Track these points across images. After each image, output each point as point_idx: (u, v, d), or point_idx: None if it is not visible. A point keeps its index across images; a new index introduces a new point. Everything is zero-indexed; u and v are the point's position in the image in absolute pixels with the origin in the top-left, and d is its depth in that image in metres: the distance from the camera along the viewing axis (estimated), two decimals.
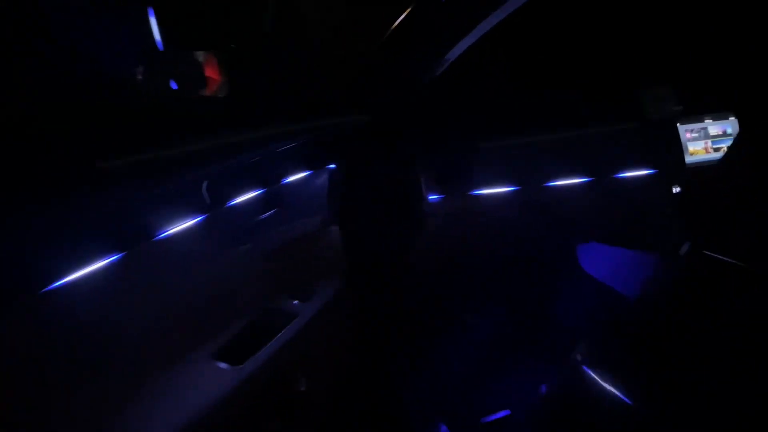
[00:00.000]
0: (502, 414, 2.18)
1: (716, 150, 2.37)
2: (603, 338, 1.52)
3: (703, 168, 2.31)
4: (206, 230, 1.46)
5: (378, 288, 2.27)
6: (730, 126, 2.38)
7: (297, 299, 1.87)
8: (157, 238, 1.31)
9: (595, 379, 1.36)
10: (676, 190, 2.29)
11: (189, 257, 1.43)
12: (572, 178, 2.32)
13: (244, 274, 1.67)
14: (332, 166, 2.02)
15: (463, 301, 2.64)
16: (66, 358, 1.12)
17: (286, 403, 1.75)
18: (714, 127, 2.40)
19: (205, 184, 1.45)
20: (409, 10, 1.69)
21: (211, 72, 1.81)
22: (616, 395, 1.31)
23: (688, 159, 2.32)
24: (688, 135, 2.33)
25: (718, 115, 2.40)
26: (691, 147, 2.34)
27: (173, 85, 1.72)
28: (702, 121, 2.40)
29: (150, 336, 1.33)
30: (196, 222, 1.43)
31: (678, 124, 2.33)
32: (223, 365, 1.48)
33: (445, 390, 2.35)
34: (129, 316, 1.26)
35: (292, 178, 1.87)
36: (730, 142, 2.32)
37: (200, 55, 1.77)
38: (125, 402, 1.26)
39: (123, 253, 1.20)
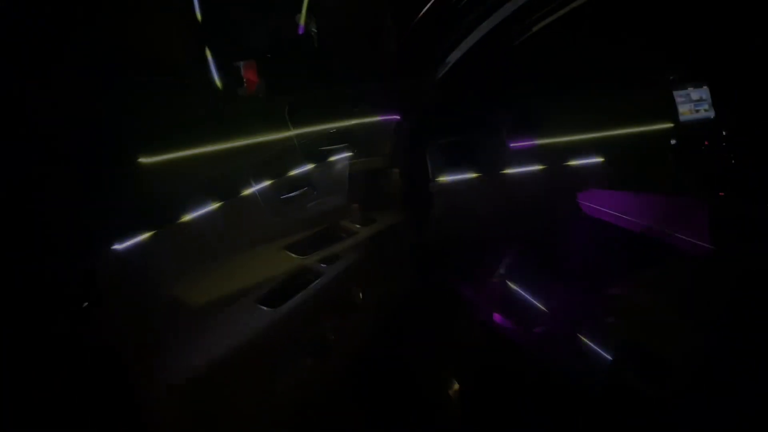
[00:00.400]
0: None
1: (697, 111, 2.82)
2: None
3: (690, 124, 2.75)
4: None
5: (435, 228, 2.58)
6: (705, 92, 2.86)
7: (357, 223, 2.24)
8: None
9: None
10: (673, 142, 2.71)
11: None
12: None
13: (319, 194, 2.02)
14: (397, 117, 2.30)
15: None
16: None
17: (317, 340, 2.04)
18: (694, 93, 2.84)
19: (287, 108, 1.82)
20: None
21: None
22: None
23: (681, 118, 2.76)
24: (678, 99, 2.76)
25: (697, 84, 2.85)
26: (680, 109, 2.77)
27: None
28: (686, 88, 2.84)
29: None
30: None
31: (673, 91, 2.76)
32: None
33: None
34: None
35: (363, 120, 2.17)
36: (706, 105, 2.77)
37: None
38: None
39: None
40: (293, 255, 1.86)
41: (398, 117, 2.33)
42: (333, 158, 2.20)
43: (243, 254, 1.81)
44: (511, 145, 2.69)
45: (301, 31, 2.27)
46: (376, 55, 2.40)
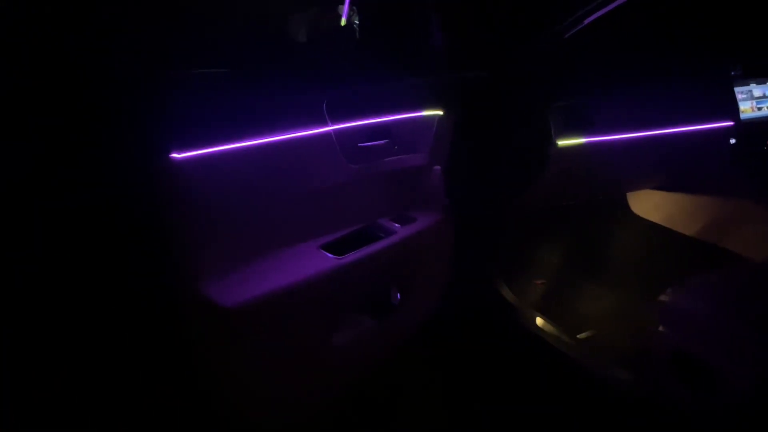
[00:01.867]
0: None
1: (759, 109, 2.64)
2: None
3: (751, 123, 2.58)
4: (327, 143, 1.80)
5: (474, 225, 2.51)
6: None
7: (396, 222, 2.15)
8: (289, 136, 1.67)
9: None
10: (732, 141, 2.56)
11: (311, 161, 1.77)
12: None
13: (354, 191, 1.98)
14: (440, 112, 2.22)
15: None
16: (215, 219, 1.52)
17: (377, 297, 2.06)
18: (757, 90, 2.66)
19: (324, 103, 1.78)
20: None
21: None
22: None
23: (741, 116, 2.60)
24: (739, 96, 2.59)
25: (760, 80, 2.66)
26: (742, 106, 2.60)
27: None
28: (748, 84, 2.66)
29: (274, 219, 1.71)
30: (319, 133, 1.77)
31: (734, 87, 2.59)
32: (327, 254, 1.79)
33: None
34: (268, 192, 1.64)
35: (404, 116, 2.10)
36: None
37: None
38: (256, 260, 1.63)
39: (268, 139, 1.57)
40: (329, 255, 1.80)
41: (440, 112, 2.25)
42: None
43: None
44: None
45: (343, 21, 2.21)
46: (420, 48, 2.33)
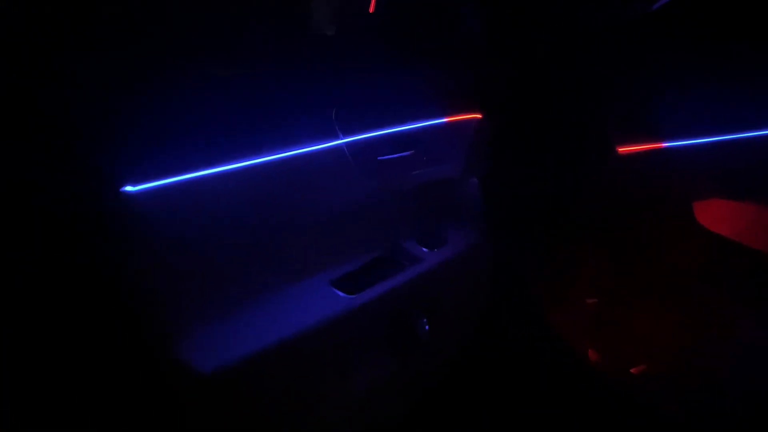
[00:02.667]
0: None
1: None
2: None
3: None
4: (336, 158, 1.48)
5: (521, 244, 2.15)
6: None
7: (424, 246, 1.82)
8: (286, 154, 1.34)
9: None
10: None
11: (318, 181, 1.46)
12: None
13: (372, 210, 1.67)
14: (478, 116, 1.87)
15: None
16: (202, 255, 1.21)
17: (400, 338, 1.74)
18: None
19: (334, 112, 1.45)
20: None
21: None
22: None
23: None
24: None
25: None
26: None
27: None
28: None
29: (274, 251, 1.39)
30: (326, 147, 1.44)
31: None
32: (338, 293, 1.50)
33: None
34: (257, 226, 1.32)
35: (432, 122, 1.77)
36: None
37: None
38: (246, 305, 1.33)
39: (254, 161, 1.25)
40: (340, 294, 1.48)
41: (479, 115, 1.90)
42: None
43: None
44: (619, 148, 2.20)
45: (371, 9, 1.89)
46: (458, 40, 1.98)
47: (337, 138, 1.44)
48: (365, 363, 1.64)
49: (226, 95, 1.26)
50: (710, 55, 2.03)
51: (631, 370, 2.19)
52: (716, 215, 2.67)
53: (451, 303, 1.95)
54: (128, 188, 1.03)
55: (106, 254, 1.02)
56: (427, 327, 1.85)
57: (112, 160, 1.03)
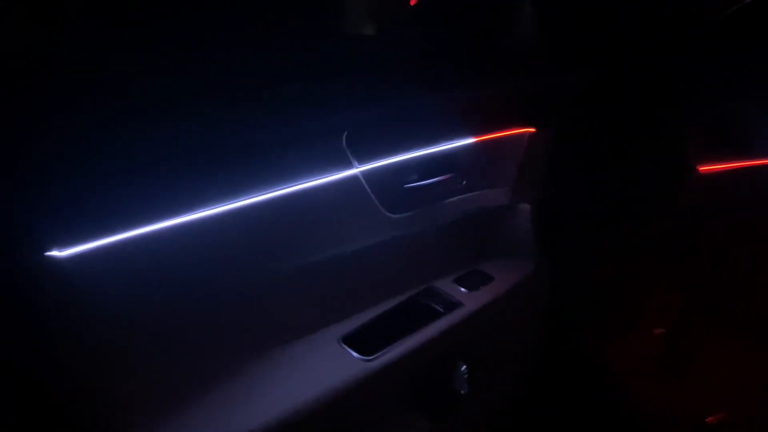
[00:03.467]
0: None
1: None
2: None
3: None
4: (346, 190, 1.20)
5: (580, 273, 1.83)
6: None
7: (463, 285, 1.54)
8: (288, 188, 1.07)
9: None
10: None
11: (319, 219, 1.19)
12: None
13: (395, 247, 1.38)
14: (531, 130, 1.55)
15: None
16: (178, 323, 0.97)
17: (433, 394, 1.48)
18: None
19: (344, 136, 1.17)
20: None
21: None
22: None
23: None
24: None
25: None
26: None
27: None
28: None
29: (270, 305, 1.14)
30: (331, 180, 1.16)
31: None
32: (351, 352, 1.23)
33: None
34: (238, 279, 1.06)
35: (473, 140, 1.47)
36: None
37: None
38: (239, 375, 1.09)
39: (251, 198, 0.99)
40: (353, 354, 1.20)
41: (532, 129, 1.59)
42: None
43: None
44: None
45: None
46: (506, 42, 1.68)
47: (350, 167, 1.16)
48: (390, 424, 1.36)
49: (182, 127, 0.99)
50: None
51: (707, 420, 1.88)
52: None
53: (498, 348, 1.66)
54: (54, 253, 0.78)
55: (27, 336, 0.77)
56: (466, 378, 1.56)
57: (34, 218, 0.78)
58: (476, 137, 1.50)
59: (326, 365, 1.17)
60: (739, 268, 2.32)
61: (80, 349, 0.85)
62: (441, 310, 1.42)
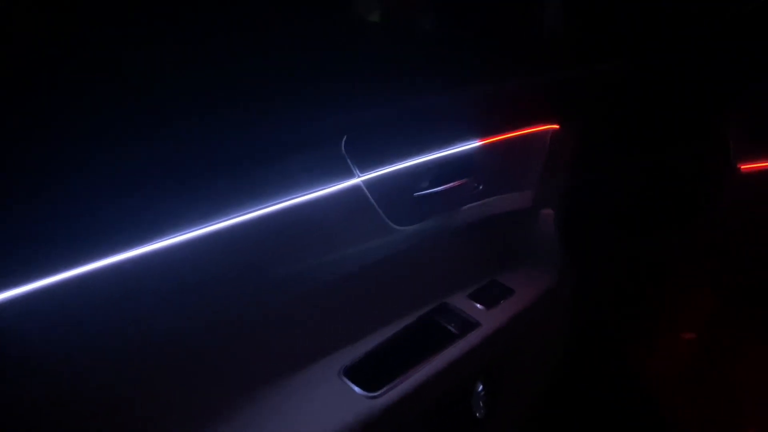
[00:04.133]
0: None
1: None
2: None
3: None
4: (345, 202, 1.04)
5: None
6: None
7: (480, 301, 1.38)
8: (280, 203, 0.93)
9: None
10: None
11: (322, 233, 1.03)
12: None
13: (403, 262, 1.23)
14: (555, 126, 1.39)
15: None
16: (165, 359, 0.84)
17: (448, 418, 1.32)
18: None
19: (344, 141, 1.03)
20: None
21: None
22: None
23: None
24: None
25: None
26: None
27: None
28: None
29: (263, 333, 1.00)
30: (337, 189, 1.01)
31: None
32: (353, 388, 1.07)
33: None
34: (235, 301, 0.92)
35: (495, 138, 1.32)
36: None
37: None
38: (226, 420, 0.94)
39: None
40: (356, 390, 1.05)
41: (555, 126, 1.43)
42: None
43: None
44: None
45: None
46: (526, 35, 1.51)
47: (351, 176, 1.00)
48: None
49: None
50: None
51: None
52: None
53: (518, 367, 1.51)
54: None
55: None
56: (483, 400, 1.41)
57: None
58: (493, 137, 1.33)
59: (325, 404, 1.02)
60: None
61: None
62: (455, 331, 1.27)
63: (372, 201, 1.07)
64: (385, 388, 1.07)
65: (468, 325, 1.30)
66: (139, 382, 0.82)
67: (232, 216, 0.85)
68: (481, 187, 1.35)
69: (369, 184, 1.05)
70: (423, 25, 1.43)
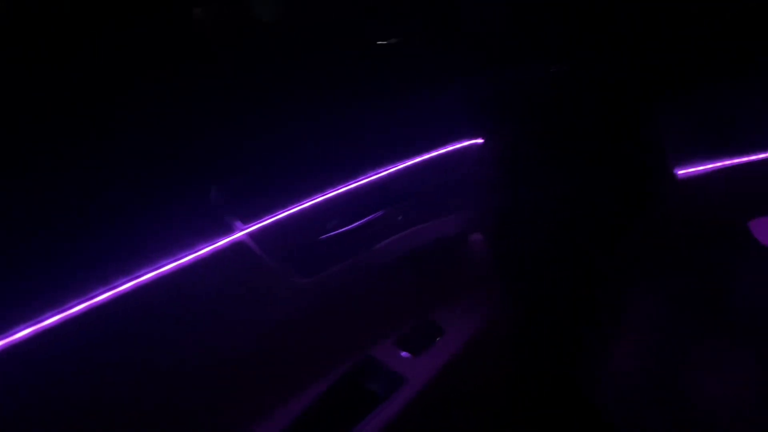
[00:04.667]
0: None
1: None
2: None
3: None
4: (235, 260, 0.86)
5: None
6: None
7: (407, 348, 1.21)
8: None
9: None
10: None
11: (205, 303, 0.85)
12: None
13: (314, 318, 1.05)
14: (479, 141, 1.22)
15: None
16: None
17: None
18: None
19: (213, 192, 0.85)
20: None
21: None
22: None
23: None
24: None
25: None
26: None
27: None
28: None
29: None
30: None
31: None
32: None
33: None
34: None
35: (407, 163, 1.16)
36: None
37: None
38: None
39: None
40: None
41: (480, 140, 1.26)
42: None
43: None
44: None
45: None
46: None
47: (229, 232, 0.78)
48: None
49: None
50: None
51: None
52: None
53: (459, 411, 1.33)
54: None
55: None
56: None
57: None
58: (412, 159, 1.15)
59: None
60: (722, 270, 2.10)
61: None
62: (378, 391, 1.07)
63: (263, 256, 0.85)
64: None
65: (392, 381, 1.11)
66: None
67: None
68: (400, 218, 1.16)
69: (258, 235, 0.83)
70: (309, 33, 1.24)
